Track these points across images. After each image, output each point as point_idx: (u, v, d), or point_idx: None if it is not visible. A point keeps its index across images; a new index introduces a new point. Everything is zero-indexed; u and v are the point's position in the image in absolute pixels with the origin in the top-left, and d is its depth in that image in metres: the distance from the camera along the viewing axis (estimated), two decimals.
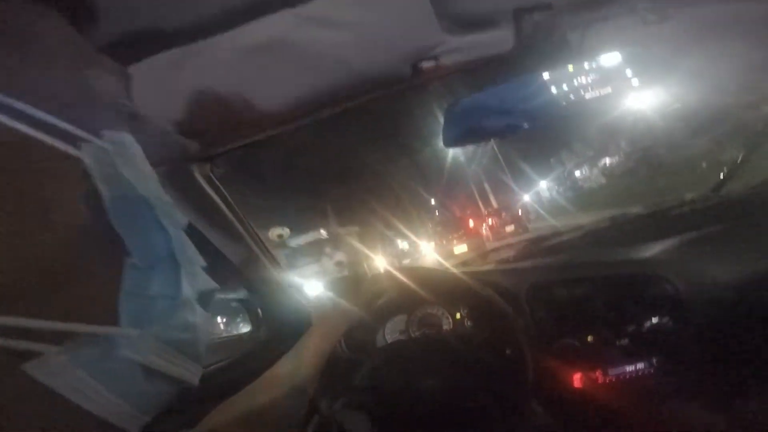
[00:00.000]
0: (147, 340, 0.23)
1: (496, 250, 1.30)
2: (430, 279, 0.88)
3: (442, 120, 0.66)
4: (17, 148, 0.20)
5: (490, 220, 13.03)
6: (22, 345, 0.18)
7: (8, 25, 0.21)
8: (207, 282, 0.27)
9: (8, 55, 0.21)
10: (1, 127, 0.19)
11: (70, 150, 0.21)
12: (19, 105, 0.20)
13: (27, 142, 0.20)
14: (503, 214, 12.94)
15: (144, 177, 0.25)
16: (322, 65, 0.63)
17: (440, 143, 0.67)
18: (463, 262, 1.22)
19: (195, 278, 0.25)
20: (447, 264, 1.13)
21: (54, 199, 0.20)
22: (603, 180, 14.93)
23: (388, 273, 0.80)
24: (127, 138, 0.25)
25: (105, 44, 0.47)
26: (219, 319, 1.32)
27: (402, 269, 0.88)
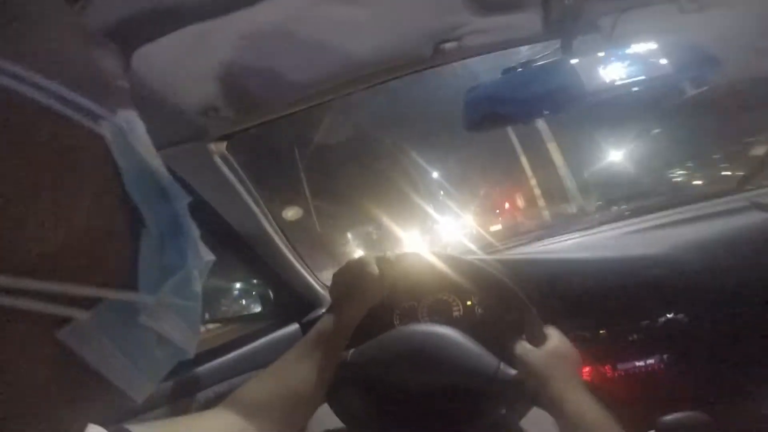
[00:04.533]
0: (161, 307, 0.24)
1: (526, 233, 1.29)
2: (440, 265, 0.87)
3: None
4: (53, 123, 0.21)
5: None
6: (58, 310, 0.19)
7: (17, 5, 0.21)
8: (206, 253, 0.28)
9: (23, 35, 0.21)
10: (37, 102, 0.20)
11: (93, 126, 0.22)
12: (48, 83, 0.21)
13: (59, 117, 0.21)
14: None
15: (150, 153, 0.26)
16: (341, 43, 0.61)
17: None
18: (480, 248, 1.20)
19: (197, 249, 0.27)
20: (467, 247, 1.12)
21: (84, 171, 0.21)
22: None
23: (398, 258, 0.78)
24: (135, 116, 0.26)
25: (117, 22, 0.47)
26: (230, 298, 1.34)
27: (412, 255, 0.87)
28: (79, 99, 0.22)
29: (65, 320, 0.19)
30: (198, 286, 0.27)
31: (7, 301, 0.17)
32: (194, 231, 0.28)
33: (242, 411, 0.55)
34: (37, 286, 0.18)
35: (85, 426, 0.23)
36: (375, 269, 0.72)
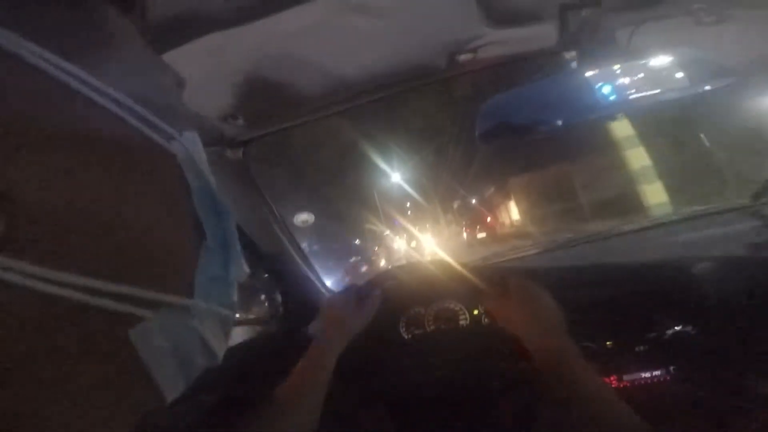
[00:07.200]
0: (207, 313, 0.25)
1: (516, 247, 1.28)
2: (448, 273, 0.87)
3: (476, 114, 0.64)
4: (137, 142, 0.22)
5: None
6: (134, 310, 0.20)
7: (92, 28, 0.23)
8: (243, 266, 0.29)
9: (108, 59, 0.23)
10: (126, 121, 0.22)
11: (167, 146, 0.24)
12: (134, 105, 0.22)
13: (142, 137, 0.23)
14: None
15: (208, 171, 0.28)
16: (359, 53, 0.62)
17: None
18: (485, 258, 1.20)
19: (237, 262, 0.28)
20: (469, 257, 1.11)
21: (160, 187, 0.23)
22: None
23: (407, 264, 0.79)
24: (196, 135, 0.27)
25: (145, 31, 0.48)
26: (239, 301, 1.33)
27: (421, 262, 0.87)
28: (157, 120, 0.24)
29: (131, 320, 0.20)
30: (235, 296, 0.29)
31: (90, 300, 0.18)
32: (238, 245, 0.29)
33: None
34: (115, 289, 0.19)
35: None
36: (359, 301, 0.78)
